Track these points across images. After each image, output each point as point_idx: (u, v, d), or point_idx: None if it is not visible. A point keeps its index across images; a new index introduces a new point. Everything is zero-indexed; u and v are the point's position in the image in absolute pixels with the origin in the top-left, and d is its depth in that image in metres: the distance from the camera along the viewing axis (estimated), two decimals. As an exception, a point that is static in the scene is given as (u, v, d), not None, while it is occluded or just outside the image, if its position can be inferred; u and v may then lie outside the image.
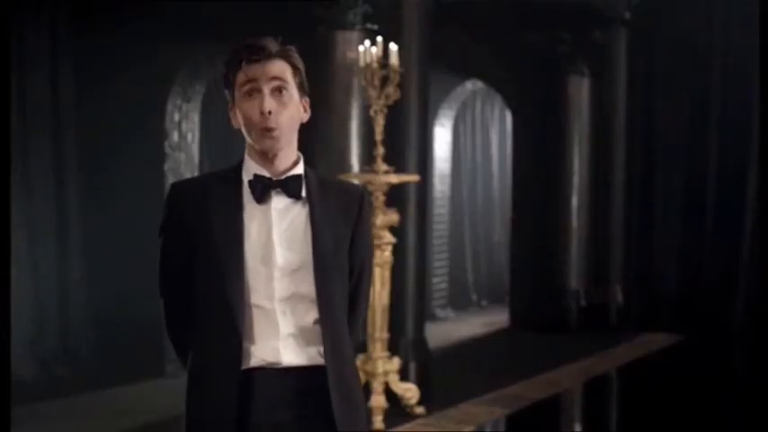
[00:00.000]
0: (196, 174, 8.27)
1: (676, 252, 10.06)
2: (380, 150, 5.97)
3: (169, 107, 7.99)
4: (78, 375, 7.33)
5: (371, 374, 6.03)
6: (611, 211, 9.96)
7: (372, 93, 5.92)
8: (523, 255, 10.14)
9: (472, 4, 8.54)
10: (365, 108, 6.24)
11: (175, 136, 8.04)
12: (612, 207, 9.97)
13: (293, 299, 2.29)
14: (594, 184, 9.85)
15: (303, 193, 2.32)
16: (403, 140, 6.66)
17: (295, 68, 2.30)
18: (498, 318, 10.68)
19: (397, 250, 6.25)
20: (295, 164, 2.34)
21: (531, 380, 7.56)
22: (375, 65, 5.86)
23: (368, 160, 6.30)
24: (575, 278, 9.80)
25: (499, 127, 12.31)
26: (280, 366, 2.28)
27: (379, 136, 5.97)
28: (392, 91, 5.93)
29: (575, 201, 9.78)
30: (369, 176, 5.99)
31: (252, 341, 2.27)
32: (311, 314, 2.29)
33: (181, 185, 2.41)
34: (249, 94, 2.25)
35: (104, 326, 7.60)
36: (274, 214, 2.29)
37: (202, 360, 2.32)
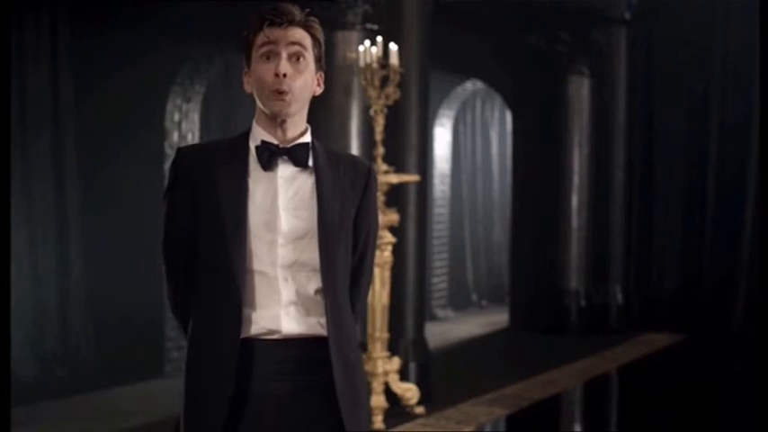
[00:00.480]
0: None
1: (676, 252, 10.06)
2: (380, 150, 5.97)
3: (169, 107, 7.99)
4: (78, 375, 7.34)
5: (371, 374, 6.03)
6: (611, 211, 9.96)
7: (372, 93, 5.92)
8: (523, 255, 10.14)
9: (472, 4, 8.54)
10: (365, 108, 6.24)
11: (175, 136, 8.04)
12: (612, 207, 9.97)
13: (296, 266, 2.27)
14: (594, 184, 9.85)
15: (310, 162, 2.30)
16: (403, 140, 6.67)
17: (315, 40, 2.30)
18: (498, 318, 10.68)
19: (397, 250, 6.25)
20: (303, 133, 2.32)
21: (531, 380, 7.56)
22: (375, 65, 5.86)
23: (368, 160, 6.30)
24: (575, 278, 9.80)
25: (499, 127, 12.31)
26: (279, 335, 2.26)
27: (379, 136, 5.97)
28: (392, 91, 5.93)
29: (575, 201, 9.78)
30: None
31: (253, 307, 2.25)
32: (313, 283, 2.28)
33: (187, 149, 2.38)
34: (267, 56, 2.25)
35: (104, 326, 7.60)
36: (280, 182, 2.28)
37: (203, 326, 2.30)
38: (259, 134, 2.30)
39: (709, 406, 7.21)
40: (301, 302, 2.27)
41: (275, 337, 2.26)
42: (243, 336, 2.24)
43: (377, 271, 6.01)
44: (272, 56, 2.24)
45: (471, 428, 6.18)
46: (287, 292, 2.26)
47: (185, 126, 8.13)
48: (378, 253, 5.95)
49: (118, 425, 6.14)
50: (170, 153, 8.00)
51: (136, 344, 7.30)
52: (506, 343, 9.67)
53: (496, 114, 12.25)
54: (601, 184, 9.87)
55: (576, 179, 9.76)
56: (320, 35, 2.32)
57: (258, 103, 2.29)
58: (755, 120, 9.34)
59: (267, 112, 2.27)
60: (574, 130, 9.76)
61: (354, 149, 6.56)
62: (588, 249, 9.83)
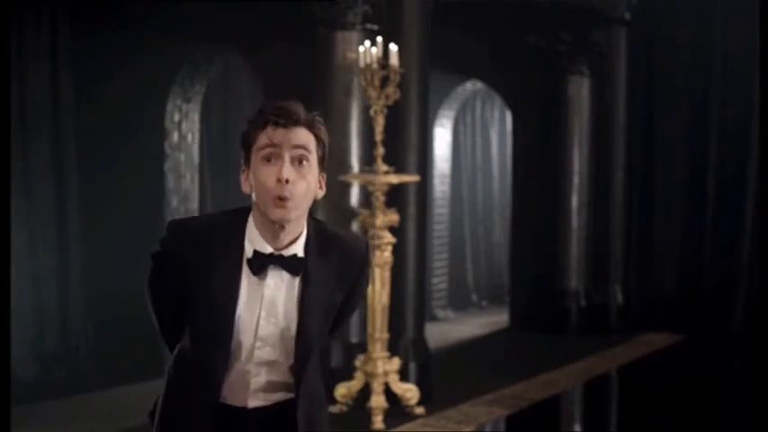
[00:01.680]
0: (196, 174, 8.28)
1: (676, 252, 10.05)
2: (380, 150, 5.97)
3: (169, 107, 7.99)
4: (78, 375, 7.33)
5: (371, 375, 6.04)
6: (611, 211, 9.95)
7: (372, 93, 5.93)
8: (523, 255, 10.14)
9: (472, 4, 8.53)
10: (365, 108, 6.25)
11: (175, 136, 8.04)
12: (612, 207, 9.96)
13: (269, 364, 2.29)
14: (594, 184, 9.84)
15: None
16: (403, 141, 6.66)
17: (319, 140, 2.20)
18: (498, 318, 10.67)
19: (397, 250, 6.25)
20: (298, 237, 2.24)
21: (531, 380, 7.56)
22: (375, 65, 5.87)
23: (368, 160, 6.30)
24: (575, 278, 9.80)
25: (499, 127, 12.30)
26: (248, 409, 2.32)
27: (379, 136, 5.97)
28: (392, 91, 5.93)
29: (575, 201, 9.77)
30: (369, 177, 5.99)
31: (228, 389, 2.29)
32: (286, 374, 2.31)
33: (180, 226, 2.32)
34: (268, 159, 2.15)
35: (104, 326, 7.60)
36: (266, 291, 2.24)
37: (179, 385, 2.35)
38: (254, 238, 2.22)
39: (709, 406, 7.21)
40: (272, 387, 2.32)
41: (240, 405, 2.32)
42: (215, 402, 2.29)
43: (377, 271, 6.02)
44: (273, 158, 2.15)
45: (471, 429, 6.18)
46: (256, 382, 2.30)
47: (185, 126, 8.13)
48: (378, 253, 5.96)
49: (118, 425, 6.14)
50: (170, 153, 8.01)
51: (136, 344, 7.28)
52: (506, 343, 9.66)
53: (496, 114, 12.24)
54: (601, 184, 9.86)
55: (575, 179, 9.75)
56: (324, 136, 2.22)
57: (257, 205, 2.20)
58: (755, 120, 9.34)
59: (267, 217, 2.18)
60: (574, 130, 9.76)
61: (354, 150, 6.56)
62: (588, 249, 9.83)
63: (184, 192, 8.14)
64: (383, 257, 6.02)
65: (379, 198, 6.00)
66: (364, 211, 6.20)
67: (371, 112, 6.02)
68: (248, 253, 2.21)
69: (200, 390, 2.28)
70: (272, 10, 6.89)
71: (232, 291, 2.21)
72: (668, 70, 10.08)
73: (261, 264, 2.21)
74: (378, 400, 6.02)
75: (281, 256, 2.22)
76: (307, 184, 2.16)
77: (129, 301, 7.28)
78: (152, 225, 7.41)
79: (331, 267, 2.27)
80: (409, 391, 6.27)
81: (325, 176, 2.25)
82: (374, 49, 5.87)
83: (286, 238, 2.22)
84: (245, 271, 2.22)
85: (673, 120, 10.07)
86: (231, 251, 2.22)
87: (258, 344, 2.25)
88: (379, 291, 6.01)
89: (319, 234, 2.29)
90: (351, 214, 6.52)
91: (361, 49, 5.93)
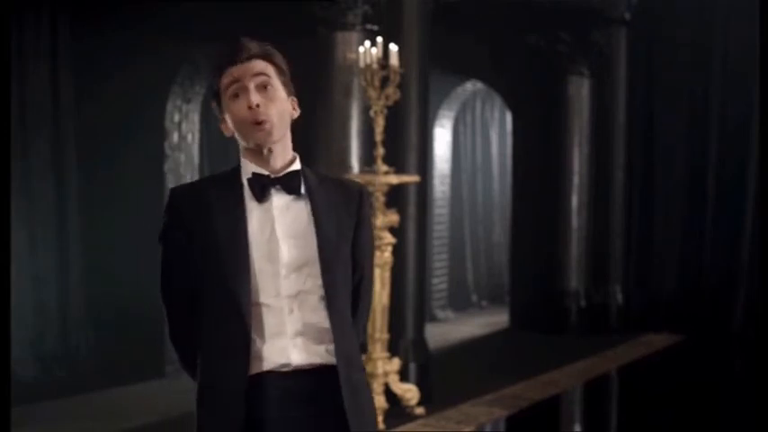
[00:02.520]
0: (196, 175, 8.28)
1: (676, 252, 10.05)
2: (380, 151, 5.97)
3: (169, 107, 7.99)
4: (78, 376, 7.34)
5: (371, 375, 6.03)
6: (611, 211, 9.95)
7: (372, 93, 5.92)
8: (523, 255, 10.14)
9: (472, 5, 8.53)
10: (365, 109, 6.24)
11: (175, 136, 8.04)
12: (612, 207, 9.97)
13: (300, 296, 2.27)
14: (594, 184, 9.84)
15: (303, 190, 2.32)
16: (403, 141, 6.66)
17: (278, 67, 2.32)
18: (498, 318, 10.68)
19: (397, 251, 6.25)
20: (291, 162, 2.34)
21: (531, 380, 7.56)
22: (375, 65, 5.86)
23: (368, 161, 6.30)
24: (575, 278, 9.80)
25: (499, 127, 12.30)
26: (289, 368, 2.27)
27: (379, 136, 5.97)
28: (392, 91, 5.93)
29: (575, 201, 9.78)
30: (369, 177, 5.99)
31: (262, 341, 2.26)
32: (318, 311, 2.28)
33: (179, 190, 2.39)
34: (236, 95, 2.28)
35: (104, 326, 7.60)
36: (276, 212, 2.29)
37: (212, 364, 2.30)
38: (249, 167, 2.31)
39: (710, 406, 7.21)
40: (308, 332, 2.28)
41: (285, 370, 2.27)
42: (255, 371, 2.25)
43: (377, 272, 6.01)
44: (240, 92, 2.27)
45: (471, 429, 6.18)
46: (293, 323, 2.27)
47: (185, 127, 8.13)
48: (378, 254, 5.95)
49: (118, 425, 6.14)
50: (170, 153, 8.00)
51: (136, 344, 7.30)
52: (506, 343, 9.67)
53: (496, 115, 12.24)
54: (601, 185, 9.87)
55: (575, 179, 9.75)
56: (281, 62, 2.34)
57: (241, 140, 2.31)
58: (755, 120, 9.34)
59: (251, 145, 2.28)
60: (574, 130, 9.76)
61: (354, 150, 6.56)
62: (588, 249, 9.83)
63: (184, 192, 8.13)
64: (383, 258, 6.02)
65: (379, 198, 6.00)
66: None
67: (371, 113, 6.02)
68: (247, 174, 2.29)
69: (231, 343, 2.24)
70: (272, 10, 6.89)
71: (238, 221, 2.25)
72: (668, 70, 10.08)
73: (261, 185, 2.28)
74: (378, 401, 6.01)
75: (279, 177, 2.29)
76: (277, 107, 2.28)
77: (129, 301, 7.34)
78: (152, 225, 7.41)
79: (332, 193, 2.36)
80: (409, 392, 6.28)
81: (295, 100, 2.37)
82: (374, 50, 5.87)
83: (277, 161, 2.30)
84: (251, 202, 2.28)
85: (673, 120, 10.07)
86: (230, 191, 2.30)
87: (283, 271, 2.26)
88: (379, 291, 6.01)
89: (315, 174, 2.39)
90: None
91: (361, 49, 5.93)
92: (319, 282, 2.27)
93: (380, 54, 5.88)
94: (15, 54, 7.12)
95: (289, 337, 2.26)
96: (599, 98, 9.81)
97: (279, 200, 2.29)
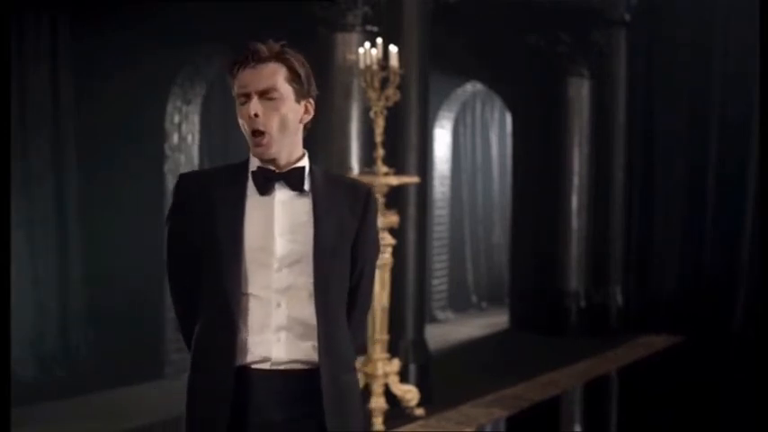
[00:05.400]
0: (196, 175, 8.27)
1: (676, 252, 10.05)
2: (380, 152, 5.97)
3: (169, 108, 7.99)
4: (78, 376, 7.33)
5: (371, 376, 6.03)
6: (610, 211, 9.95)
7: (372, 94, 5.92)
8: (523, 256, 10.14)
9: (472, 6, 8.53)
10: (365, 110, 6.24)
11: (175, 137, 8.04)
12: (612, 207, 9.97)
13: (290, 290, 2.28)
14: (594, 185, 9.84)
15: (306, 187, 2.32)
16: (403, 142, 6.67)
17: (291, 69, 2.29)
18: (498, 319, 10.67)
19: (397, 252, 6.25)
20: (298, 159, 2.34)
21: (531, 381, 7.56)
22: (375, 67, 5.86)
23: (368, 162, 6.30)
24: (574, 279, 9.80)
25: (499, 128, 12.30)
26: (272, 362, 2.27)
27: (379, 137, 5.97)
28: (392, 92, 5.93)
29: (575, 201, 9.78)
30: (369, 178, 5.99)
31: (247, 332, 2.27)
32: (307, 307, 2.28)
33: (188, 175, 2.44)
34: (243, 102, 2.28)
35: (104, 327, 7.60)
36: (277, 206, 2.30)
37: (201, 351, 2.33)
38: (255, 161, 2.33)
39: (710, 407, 7.21)
40: (293, 327, 2.28)
41: (268, 366, 2.27)
42: (239, 363, 2.26)
43: (377, 272, 6.00)
44: (246, 99, 2.27)
45: (471, 430, 6.18)
46: (278, 317, 2.28)
47: (185, 127, 8.13)
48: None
49: (118, 425, 6.14)
50: (170, 154, 8.00)
51: (136, 344, 7.30)
52: (506, 344, 9.66)
53: (496, 115, 12.24)
54: (601, 185, 9.86)
55: (575, 180, 9.75)
56: (296, 63, 2.31)
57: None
58: (755, 120, 9.34)
59: (252, 153, 2.31)
60: (574, 130, 9.76)
61: (354, 151, 6.56)
62: (588, 250, 9.83)
63: (184, 192, 8.13)
64: (383, 259, 6.02)
65: (379, 199, 6.00)
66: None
67: (371, 114, 6.02)
68: (253, 167, 2.31)
69: (219, 330, 2.26)
70: (272, 11, 6.89)
71: (237, 211, 2.27)
72: (668, 70, 10.08)
73: (265, 179, 2.29)
74: (378, 402, 6.02)
75: (283, 173, 2.30)
76: (280, 117, 2.26)
77: (129, 301, 7.34)
78: (152, 226, 7.41)
79: (337, 192, 2.36)
80: (409, 393, 6.27)
81: (312, 102, 2.35)
82: (374, 51, 5.87)
83: (282, 161, 2.31)
84: (253, 193, 2.29)
85: (673, 120, 10.07)
86: (235, 182, 2.32)
87: (275, 264, 2.27)
88: (379, 292, 6.01)
89: (323, 172, 2.40)
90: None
91: (361, 50, 5.93)
92: (311, 279, 2.28)
93: (380, 55, 5.88)
94: (15, 54, 7.12)
95: (272, 330, 2.27)
96: (599, 99, 9.81)
97: (282, 194, 2.31)
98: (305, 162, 2.34)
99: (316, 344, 2.28)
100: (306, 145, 2.42)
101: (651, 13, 10.07)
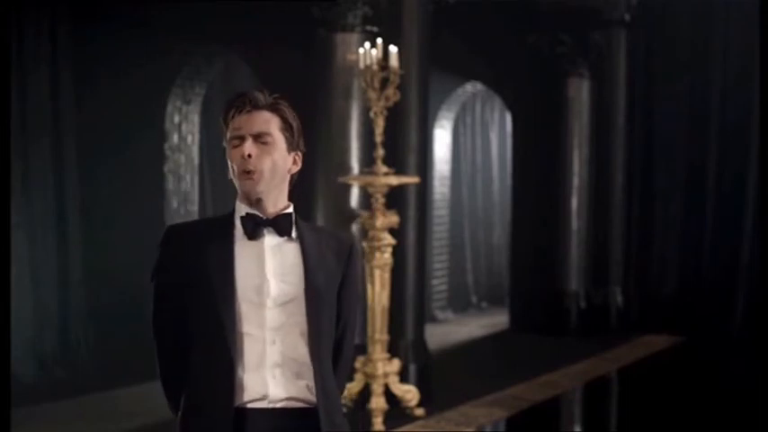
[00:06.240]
0: (196, 175, 8.29)
1: (676, 253, 10.06)
2: (380, 152, 5.97)
3: (169, 109, 8.00)
4: (78, 376, 7.33)
5: (371, 376, 6.03)
6: (611, 211, 9.96)
7: (372, 95, 5.92)
8: (523, 256, 10.14)
9: (472, 6, 8.54)
10: (365, 110, 6.24)
11: (175, 138, 8.04)
12: (612, 208, 9.97)
13: (284, 328, 2.32)
14: (594, 186, 9.85)
15: (294, 234, 2.37)
16: (403, 142, 6.66)
17: (284, 121, 2.36)
18: (498, 319, 10.68)
19: (397, 252, 6.25)
20: (284, 209, 2.39)
21: (531, 381, 7.56)
22: (375, 67, 5.86)
23: (368, 162, 6.30)
24: (574, 280, 9.80)
25: (499, 129, 12.30)
26: (269, 399, 2.30)
27: (379, 138, 5.97)
28: (392, 93, 5.93)
29: (575, 202, 9.78)
30: (369, 178, 5.99)
31: (242, 370, 2.29)
32: (300, 347, 2.33)
33: (175, 228, 2.46)
34: (236, 145, 2.33)
35: (104, 327, 7.60)
36: (267, 249, 2.34)
37: (196, 394, 2.34)
38: (243, 208, 2.37)
39: (709, 407, 7.21)
40: (288, 365, 2.32)
41: (265, 404, 2.30)
42: (237, 403, 2.28)
43: (377, 273, 6.02)
44: (240, 142, 2.32)
45: (471, 430, 6.18)
46: (272, 354, 2.31)
47: (185, 128, 8.14)
48: (378, 255, 5.96)
49: (118, 425, 6.15)
50: (170, 154, 8.01)
51: (136, 344, 7.27)
52: (506, 345, 9.66)
53: (496, 116, 12.24)
54: (600, 186, 9.87)
55: (575, 180, 9.75)
56: (289, 116, 2.37)
57: (236, 185, 2.37)
58: (755, 120, 9.35)
59: (240, 191, 2.36)
60: (573, 131, 9.76)
61: (354, 151, 6.57)
62: (588, 251, 9.83)
63: (184, 193, 8.15)
64: (383, 259, 6.02)
65: (379, 200, 6.00)
66: (364, 213, 6.20)
67: (371, 114, 6.02)
68: (241, 213, 2.36)
69: (215, 370, 2.29)
70: (272, 12, 6.89)
71: (227, 254, 2.32)
72: (668, 70, 10.09)
73: (254, 223, 2.34)
74: (378, 402, 6.02)
75: (271, 219, 2.35)
76: (272, 160, 2.32)
77: (129, 301, 7.33)
78: (152, 226, 7.42)
79: (322, 240, 2.42)
80: (409, 393, 6.27)
81: (300, 155, 2.41)
82: (374, 51, 5.87)
83: (269, 207, 2.36)
84: (242, 239, 2.34)
85: (672, 120, 10.08)
86: (222, 229, 2.37)
87: (269, 303, 2.30)
88: (378, 292, 6.01)
89: (307, 224, 2.47)
90: (351, 216, 6.52)
91: (361, 50, 5.93)
92: (304, 318, 2.32)
93: (380, 55, 5.88)
94: (16, 54, 7.12)
95: (267, 367, 2.31)
96: (599, 99, 9.81)
97: (270, 240, 2.36)
98: (291, 210, 2.40)
99: (309, 383, 2.33)
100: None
101: (651, 15, 10.07)
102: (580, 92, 9.75)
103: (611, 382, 8.19)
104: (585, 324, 9.72)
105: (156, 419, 6.13)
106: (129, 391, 7.02)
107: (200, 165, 8.40)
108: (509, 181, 10.93)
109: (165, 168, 7.96)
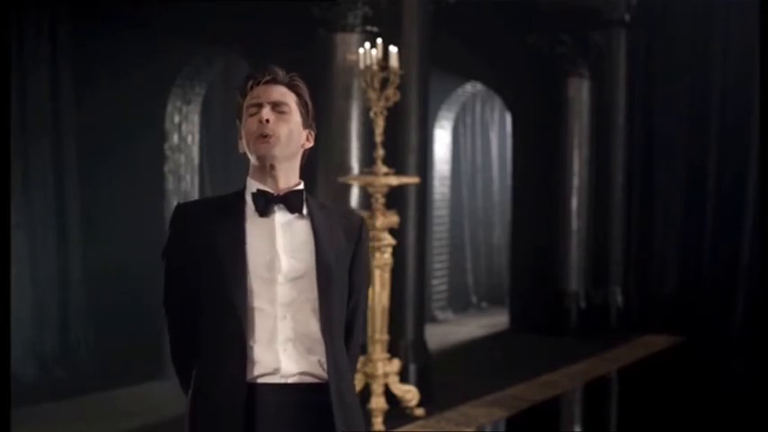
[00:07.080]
0: (196, 176, 8.29)
1: (676, 253, 10.06)
2: (380, 152, 5.97)
3: (169, 109, 8.00)
4: (78, 376, 7.33)
5: (371, 376, 6.03)
6: (610, 212, 9.96)
7: (372, 95, 5.93)
8: (523, 256, 10.14)
9: (472, 6, 8.54)
10: (365, 110, 6.24)
11: (175, 138, 8.04)
12: (612, 208, 9.97)
13: (295, 304, 2.33)
14: (594, 186, 9.85)
15: (304, 210, 2.38)
16: (403, 142, 6.66)
17: (300, 98, 2.40)
18: (498, 319, 10.68)
19: (397, 252, 6.25)
20: (296, 185, 2.40)
21: (531, 382, 7.56)
22: (375, 67, 5.87)
23: (368, 162, 6.30)
24: (574, 280, 9.80)
25: (499, 129, 12.30)
26: (279, 375, 2.30)
27: (379, 138, 5.97)
28: (392, 93, 5.93)
29: (574, 202, 9.78)
30: (369, 178, 5.99)
31: (254, 344, 2.30)
32: (312, 323, 2.33)
33: (184, 206, 2.48)
34: (253, 113, 2.35)
35: (104, 327, 7.60)
36: (278, 226, 2.36)
37: (207, 370, 2.35)
38: (254, 185, 2.38)
39: (709, 407, 7.21)
40: (299, 340, 2.33)
41: (277, 379, 2.30)
42: (249, 377, 2.29)
43: (377, 273, 6.01)
44: (257, 109, 2.35)
45: (471, 430, 6.18)
46: (284, 329, 2.32)
47: (185, 128, 8.14)
48: (378, 255, 5.96)
49: (118, 425, 6.15)
50: (170, 154, 8.01)
51: (136, 344, 7.29)
52: (506, 345, 9.66)
53: (496, 116, 12.25)
54: (600, 186, 9.87)
55: (575, 180, 9.76)
56: (305, 93, 2.42)
57: (249, 155, 2.38)
58: (755, 120, 9.35)
59: (255, 157, 2.36)
60: (573, 131, 9.76)
61: (354, 151, 6.57)
62: (588, 251, 9.83)
63: (184, 193, 8.15)
64: (383, 259, 6.02)
65: (379, 200, 6.00)
66: (364, 213, 6.20)
67: (371, 114, 6.02)
68: (252, 190, 2.37)
69: (227, 345, 2.29)
70: (272, 11, 6.89)
71: (238, 231, 2.33)
72: (668, 70, 10.09)
73: (265, 201, 2.35)
74: (378, 402, 6.02)
75: (282, 196, 2.36)
76: (289, 128, 2.35)
77: (129, 300, 7.33)
78: (152, 226, 7.42)
79: (333, 218, 2.44)
80: (409, 393, 6.27)
81: (313, 134, 2.45)
82: (374, 51, 5.87)
83: (281, 181, 2.37)
84: (253, 216, 2.35)
85: (673, 120, 10.08)
86: (233, 206, 2.38)
87: (280, 279, 2.32)
88: (379, 292, 6.01)
89: (317, 201, 2.49)
90: (351, 216, 6.51)
91: (361, 50, 5.93)
92: (315, 294, 2.33)
93: (380, 55, 5.88)
94: (16, 54, 7.12)
95: (279, 342, 2.31)
96: (599, 99, 9.81)
97: (281, 216, 2.37)
98: (302, 187, 2.41)
99: (321, 359, 2.33)
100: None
101: (651, 14, 10.07)
102: (580, 92, 9.75)
103: (611, 382, 8.19)
104: (585, 324, 9.72)
105: (156, 419, 6.14)
106: (129, 391, 7.03)
107: (200, 165, 8.40)
108: (509, 181, 10.93)
109: (165, 168, 7.96)
